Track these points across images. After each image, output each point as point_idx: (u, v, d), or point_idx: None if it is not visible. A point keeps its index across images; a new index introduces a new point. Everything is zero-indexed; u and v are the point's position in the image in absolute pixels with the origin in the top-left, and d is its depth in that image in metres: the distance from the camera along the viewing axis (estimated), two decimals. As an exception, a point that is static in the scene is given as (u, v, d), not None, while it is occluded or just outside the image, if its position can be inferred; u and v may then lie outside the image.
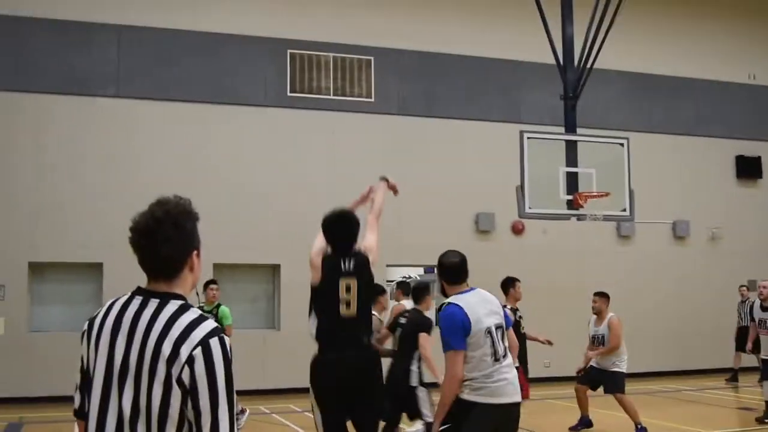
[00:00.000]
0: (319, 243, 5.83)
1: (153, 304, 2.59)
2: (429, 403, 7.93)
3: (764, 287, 12.18)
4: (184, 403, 2.48)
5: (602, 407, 11.61)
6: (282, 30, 16.79)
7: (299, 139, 16.65)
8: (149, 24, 15.99)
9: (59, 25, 15.45)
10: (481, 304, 5.57)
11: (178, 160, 15.76)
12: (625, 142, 12.95)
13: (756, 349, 16.13)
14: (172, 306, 2.58)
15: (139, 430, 2.50)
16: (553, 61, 13.57)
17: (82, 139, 15.41)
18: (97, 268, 14.94)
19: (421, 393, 8.00)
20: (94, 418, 2.57)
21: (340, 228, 5.76)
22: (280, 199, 16.29)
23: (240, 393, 14.83)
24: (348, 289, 5.53)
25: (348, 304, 5.50)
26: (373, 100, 17.32)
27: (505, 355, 5.57)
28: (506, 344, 5.64)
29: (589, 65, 13.17)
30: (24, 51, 15.30)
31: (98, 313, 2.69)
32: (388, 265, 17.18)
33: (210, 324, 2.55)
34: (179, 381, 2.46)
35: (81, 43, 15.58)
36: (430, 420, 7.36)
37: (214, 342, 2.51)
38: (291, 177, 16.43)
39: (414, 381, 8.06)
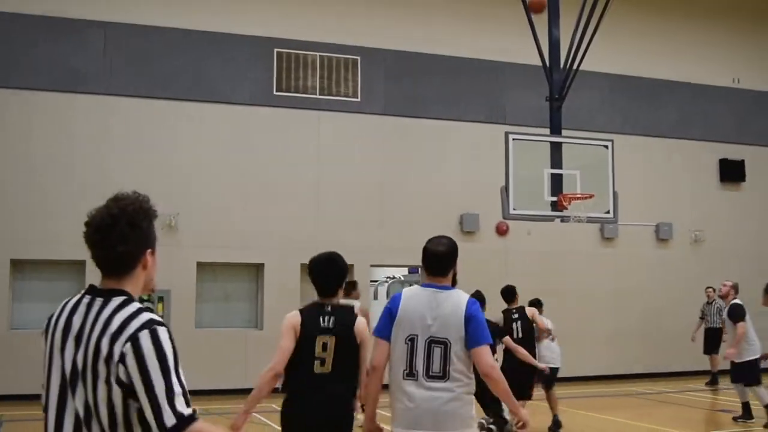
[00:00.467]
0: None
1: (97, 303, 2.60)
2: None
3: (724, 285, 12.60)
4: (126, 401, 2.48)
5: (574, 407, 11.64)
6: (269, 29, 16.75)
7: (285, 137, 16.62)
8: (136, 21, 15.93)
9: (46, 21, 15.36)
10: (427, 306, 4.75)
11: (163, 158, 15.70)
12: (609, 144, 12.99)
13: (714, 348, 16.52)
14: (113, 303, 2.58)
15: (94, 431, 2.51)
16: (538, 63, 13.60)
17: (67, 136, 15.33)
18: (79, 265, 14.84)
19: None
20: (53, 418, 2.58)
21: (327, 268, 5.44)
22: (265, 199, 16.26)
23: (222, 392, 14.87)
24: (324, 347, 5.19)
25: (323, 362, 5.18)
26: (359, 99, 17.31)
27: (438, 377, 4.65)
28: (448, 367, 4.65)
29: (574, 67, 13.21)
30: (10, 47, 15.19)
31: (54, 312, 2.71)
32: (372, 266, 17.21)
33: (144, 317, 2.53)
34: (118, 380, 2.47)
35: (68, 39, 15.49)
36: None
37: (144, 335, 2.49)
38: (276, 176, 16.40)
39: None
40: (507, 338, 10.43)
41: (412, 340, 4.69)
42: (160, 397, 2.45)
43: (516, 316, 10.87)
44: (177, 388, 2.49)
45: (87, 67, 15.60)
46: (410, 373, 4.68)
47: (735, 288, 12.64)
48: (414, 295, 4.84)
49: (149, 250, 2.72)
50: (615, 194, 12.73)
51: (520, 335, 10.72)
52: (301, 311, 5.36)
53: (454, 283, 4.98)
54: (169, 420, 2.44)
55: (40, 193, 14.99)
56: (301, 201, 16.51)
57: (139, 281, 2.71)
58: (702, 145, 20.00)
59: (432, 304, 4.74)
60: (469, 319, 4.72)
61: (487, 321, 9.53)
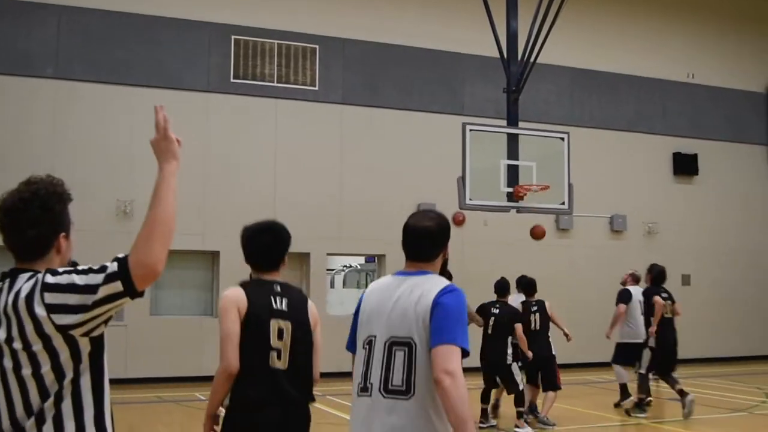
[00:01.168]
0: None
1: (6, 285, 2.57)
2: (520, 376, 10.86)
3: (625, 273, 13.49)
4: (75, 356, 2.47)
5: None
6: (226, 15, 16.63)
7: (241, 125, 16.53)
8: (91, 5, 15.69)
9: (-4, 2, 15.08)
10: (389, 296, 3.46)
11: (117, 144, 15.51)
12: (565, 136, 13.10)
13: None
14: (20, 281, 2.55)
15: (33, 407, 2.48)
16: (496, 55, 13.67)
17: (16, 120, 15.06)
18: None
19: (515, 368, 10.80)
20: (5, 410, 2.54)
21: (267, 237, 4.36)
22: (221, 186, 16.17)
23: (177, 380, 14.78)
24: (280, 335, 4.12)
25: (279, 354, 4.11)
26: (317, 88, 17.27)
27: (399, 392, 3.27)
28: (413, 378, 3.25)
29: (532, 60, 13.30)
30: (-41, 28, 14.90)
31: None
32: (328, 254, 17.22)
33: (39, 276, 2.52)
34: (60, 330, 2.44)
35: (20, 22, 15.21)
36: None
37: (47, 277, 2.49)
38: (233, 163, 16.31)
39: (510, 359, 10.79)
40: (518, 326, 10.90)
41: (369, 343, 3.44)
42: (91, 279, 2.46)
43: (535, 308, 11.49)
44: (98, 266, 2.52)
45: (39, 51, 15.33)
46: (364, 388, 3.40)
47: (633, 276, 13.35)
48: (378, 286, 3.63)
49: (63, 234, 2.68)
50: (570, 186, 12.84)
51: (537, 327, 11.35)
52: (244, 287, 4.29)
53: (444, 274, 3.66)
54: (111, 268, 2.50)
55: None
56: (257, 189, 16.44)
57: (54, 265, 2.65)
58: (656, 139, 20.32)
59: (396, 293, 3.45)
60: (435, 307, 3.30)
61: (513, 307, 11.05)
